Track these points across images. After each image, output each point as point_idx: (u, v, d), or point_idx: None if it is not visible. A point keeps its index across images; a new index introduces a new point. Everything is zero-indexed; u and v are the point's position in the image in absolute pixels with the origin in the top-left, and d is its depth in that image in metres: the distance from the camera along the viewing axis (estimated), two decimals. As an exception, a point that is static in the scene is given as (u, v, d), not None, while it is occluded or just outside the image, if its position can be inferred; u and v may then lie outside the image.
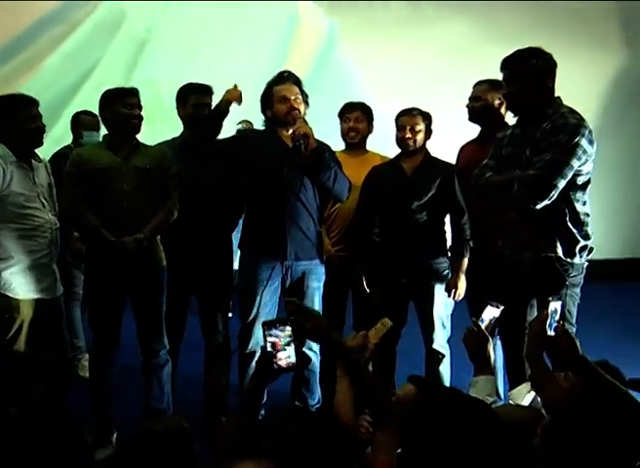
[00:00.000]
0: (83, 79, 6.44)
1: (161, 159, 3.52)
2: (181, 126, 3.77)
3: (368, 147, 4.00)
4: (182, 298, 3.71)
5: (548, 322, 2.31)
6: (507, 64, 3.14)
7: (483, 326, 2.51)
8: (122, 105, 3.39)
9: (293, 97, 3.44)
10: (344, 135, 3.93)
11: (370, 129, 3.95)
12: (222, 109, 3.58)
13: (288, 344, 2.09)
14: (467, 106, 3.74)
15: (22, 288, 3.24)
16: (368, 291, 3.79)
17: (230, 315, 4.08)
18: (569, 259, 3.11)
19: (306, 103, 3.52)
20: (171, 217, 3.49)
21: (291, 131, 3.41)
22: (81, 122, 4.50)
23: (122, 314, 3.53)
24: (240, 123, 5.11)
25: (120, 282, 3.43)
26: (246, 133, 3.90)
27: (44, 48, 6.42)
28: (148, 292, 3.51)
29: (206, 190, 3.57)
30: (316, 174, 3.41)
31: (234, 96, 3.59)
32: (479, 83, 3.74)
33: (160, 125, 3.79)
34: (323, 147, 3.47)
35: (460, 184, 3.61)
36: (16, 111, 3.21)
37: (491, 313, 2.55)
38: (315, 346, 3.59)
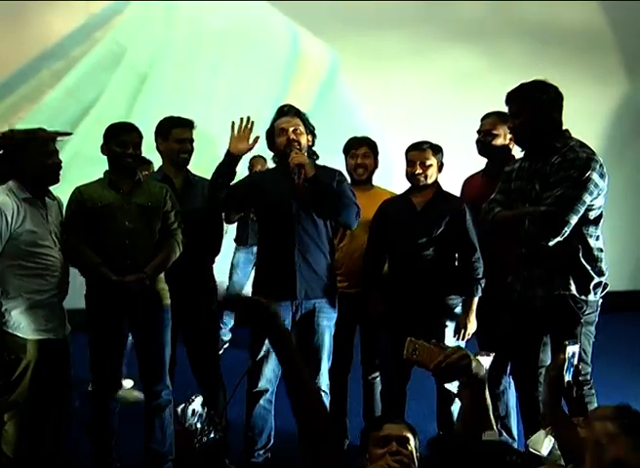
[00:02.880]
0: (83, 113, 6.42)
1: (163, 196, 3.48)
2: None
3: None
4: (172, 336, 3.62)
5: (565, 367, 2.26)
6: (513, 97, 3.11)
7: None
8: (116, 143, 3.37)
9: (291, 129, 3.40)
10: (352, 171, 3.88)
11: (376, 164, 3.91)
12: (229, 165, 3.42)
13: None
14: (477, 140, 3.68)
15: (30, 327, 3.19)
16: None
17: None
18: (583, 297, 3.06)
19: (312, 134, 3.49)
20: (174, 255, 3.44)
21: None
22: None
23: (123, 354, 3.49)
24: (254, 158, 5.08)
25: (122, 321, 3.39)
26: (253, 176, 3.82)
27: (45, 82, 6.40)
28: (150, 331, 3.45)
29: (188, 225, 3.52)
30: (317, 203, 3.34)
31: (241, 149, 3.41)
32: (488, 116, 3.70)
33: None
34: (324, 175, 3.42)
35: (473, 219, 3.55)
36: (32, 147, 3.17)
37: (484, 362, 2.46)
38: (325, 386, 3.50)
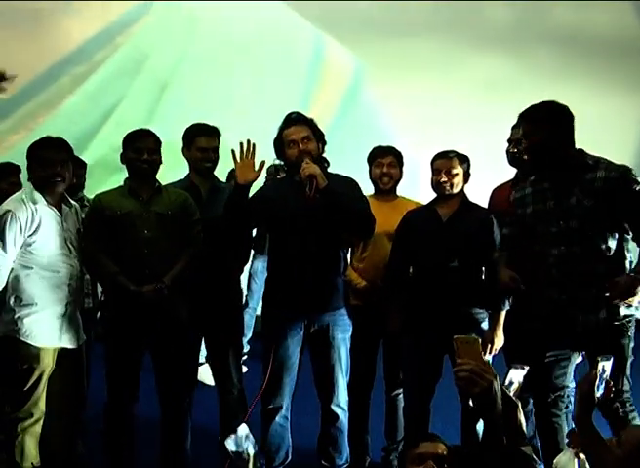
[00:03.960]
0: (104, 119, 6.47)
1: (183, 204, 3.48)
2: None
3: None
4: (192, 349, 3.65)
5: (597, 382, 2.25)
6: (528, 118, 3.16)
7: (511, 391, 2.36)
8: (131, 150, 3.39)
9: (301, 139, 3.36)
10: (377, 180, 3.85)
11: (401, 174, 3.89)
12: (240, 196, 3.36)
13: None
14: (508, 150, 3.63)
15: (44, 336, 3.18)
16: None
17: (245, 370, 3.96)
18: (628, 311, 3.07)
19: (321, 141, 3.46)
20: (194, 265, 3.43)
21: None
22: None
23: (140, 366, 3.45)
24: (272, 165, 5.04)
25: (140, 331, 3.37)
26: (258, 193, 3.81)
27: (65, 87, 6.47)
28: (169, 350, 3.44)
29: (213, 234, 3.51)
30: (330, 214, 3.31)
31: (248, 178, 3.32)
32: (519, 124, 3.62)
33: (184, 167, 3.75)
34: (337, 183, 3.38)
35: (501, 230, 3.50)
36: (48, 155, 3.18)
37: (516, 376, 2.42)
38: (343, 402, 3.46)
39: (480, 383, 1.90)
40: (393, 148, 3.90)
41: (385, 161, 3.82)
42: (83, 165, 4.40)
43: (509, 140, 3.67)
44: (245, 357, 5.39)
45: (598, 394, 2.27)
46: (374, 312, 3.70)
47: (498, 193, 3.84)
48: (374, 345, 3.82)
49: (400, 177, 3.88)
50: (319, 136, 3.44)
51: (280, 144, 3.44)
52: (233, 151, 3.32)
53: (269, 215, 3.44)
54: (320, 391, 3.47)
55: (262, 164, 3.32)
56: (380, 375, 3.87)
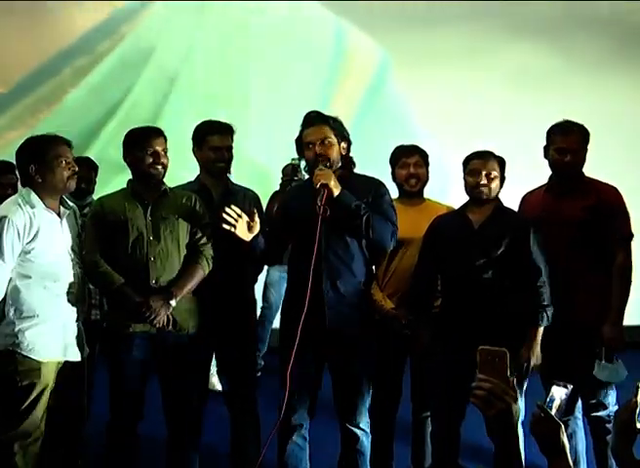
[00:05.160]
0: (108, 115, 6.49)
1: (191, 207, 3.49)
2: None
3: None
4: (203, 365, 3.66)
5: (638, 411, 2.23)
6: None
7: (553, 410, 2.36)
8: (141, 150, 3.38)
9: (318, 142, 3.37)
10: (403, 182, 3.85)
11: (428, 175, 3.88)
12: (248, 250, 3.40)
13: None
14: (551, 158, 3.61)
15: (47, 349, 3.20)
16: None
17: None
18: None
19: (345, 140, 3.45)
20: (203, 273, 3.44)
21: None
22: None
23: (146, 382, 3.47)
24: (289, 165, 5.06)
25: (145, 350, 3.39)
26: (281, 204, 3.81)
27: (66, 81, 6.48)
28: (177, 366, 3.45)
29: (224, 241, 3.49)
30: (342, 224, 3.32)
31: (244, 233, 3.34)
32: (567, 130, 3.60)
33: (194, 166, 3.77)
34: (360, 188, 3.39)
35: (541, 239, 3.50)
36: (47, 153, 3.21)
37: (558, 393, 2.41)
38: (364, 424, 3.44)
39: (497, 405, 1.86)
40: (418, 147, 3.90)
41: (411, 161, 3.82)
42: (94, 167, 4.43)
43: (554, 148, 3.63)
44: (259, 373, 5.40)
45: (639, 424, 2.23)
46: (402, 326, 3.70)
47: (529, 200, 3.83)
48: (400, 363, 3.82)
49: (427, 179, 3.87)
50: (342, 136, 3.44)
51: (299, 146, 3.46)
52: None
53: (288, 221, 3.46)
54: (338, 408, 3.46)
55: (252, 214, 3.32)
56: (407, 396, 3.86)
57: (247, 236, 3.32)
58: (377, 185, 3.47)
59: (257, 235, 3.34)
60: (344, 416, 3.45)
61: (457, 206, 3.72)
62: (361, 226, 3.29)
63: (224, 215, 3.24)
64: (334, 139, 3.39)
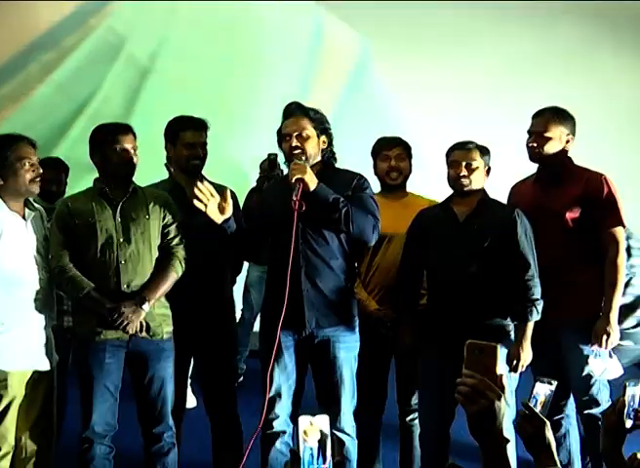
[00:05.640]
0: (77, 112, 6.47)
1: (163, 207, 3.47)
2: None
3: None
4: (180, 370, 3.63)
5: (626, 411, 2.25)
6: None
7: (537, 407, 2.36)
8: (109, 148, 3.36)
9: (295, 134, 3.36)
10: (383, 175, 3.85)
11: (410, 168, 3.89)
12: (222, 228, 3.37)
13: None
14: (529, 145, 3.60)
15: (15, 359, 3.18)
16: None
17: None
18: None
19: (326, 134, 3.45)
20: (176, 275, 3.43)
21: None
22: None
23: (118, 390, 3.43)
24: (266, 160, 5.01)
25: (117, 358, 3.36)
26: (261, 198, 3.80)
27: (33, 77, 6.44)
28: (147, 364, 3.41)
29: (201, 241, 3.49)
30: (320, 220, 3.30)
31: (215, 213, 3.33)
32: (541, 113, 3.62)
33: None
34: (338, 181, 3.38)
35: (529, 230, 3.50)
36: (10, 155, 3.19)
37: (542, 390, 2.42)
38: (350, 428, 3.43)
39: (480, 402, 1.82)
40: (400, 139, 3.90)
41: (393, 153, 3.82)
42: (64, 168, 4.39)
43: (529, 131, 3.63)
44: (241, 378, 5.39)
45: (628, 425, 2.25)
46: (385, 322, 3.70)
47: (518, 190, 3.82)
48: (385, 363, 3.82)
49: (410, 172, 3.88)
50: (323, 129, 3.43)
51: (279, 137, 3.45)
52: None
53: (266, 218, 3.44)
54: (322, 413, 3.43)
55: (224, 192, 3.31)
56: (393, 398, 3.85)
57: (218, 217, 3.30)
58: (357, 178, 3.45)
59: (228, 219, 3.32)
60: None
61: (441, 199, 3.70)
62: (340, 220, 3.27)
63: (196, 192, 3.22)
64: (312, 132, 3.38)
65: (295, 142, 3.34)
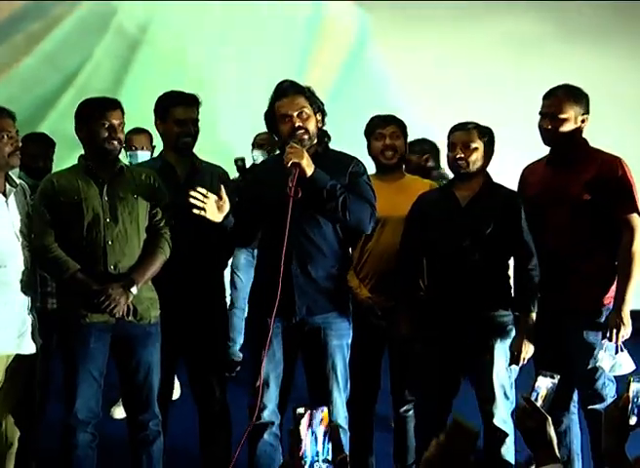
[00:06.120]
0: (65, 85, 6.44)
1: (151, 186, 3.46)
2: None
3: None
4: (167, 356, 3.60)
5: (630, 407, 2.24)
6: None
7: (539, 401, 2.37)
8: (96, 124, 3.33)
9: (296, 114, 3.33)
10: (378, 155, 3.83)
11: (406, 148, 3.88)
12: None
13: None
14: (541, 126, 3.56)
15: None
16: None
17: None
18: None
19: (321, 112, 3.42)
20: (164, 258, 3.41)
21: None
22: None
23: (103, 375, 3.42)
24: (238, 160, 4.96)
25: (103, 342, 3.35)
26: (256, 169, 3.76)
27: (18, 48, 6.42)
28: (133, 349, 3.40)
29: (191, 223, 3.44)
30: (316, 206, 3.29)
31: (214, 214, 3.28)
32: (554, 93, 3.56)
33: (158, 140, 3.72)
34: (334, 167, 3.35)
35: (528, 218, 3.47)
36: None
37: (544, 384, 2.42)
38: (342, 420, 3.42)
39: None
40: (395, 117, 3.89)
41: (387, 132, 3.81)
42: (51, 143, 4.35)
43: (542, 113, 3.58)
44: (239, 368, 5.36)
45: (632, 422, 2.24)
46: (378, 311, 3.70)
47: (529, 172, 3.78)
48: (377, 352, 3.82)
49: (405, 151, 3.87)
50: (317, 107, 3.40)
51: (272, 118, 3.41)
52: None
53: (259, 200, 3.42)
54: (312, 404, 3.42)
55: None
56: (386, 388, 3.85)
57: (217, 217, 3.27)
58: (353, 163, 3.43)
59: (227, 214, 3.30)
60: None
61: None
62: (337, 208, 3.26)
63: (192, 200, 3.20)
64: (310, 111, 3.36)
65: (298, 122, 3.31)
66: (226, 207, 3.29)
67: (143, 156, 4.29)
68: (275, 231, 3.28)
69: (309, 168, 3.22)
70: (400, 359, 3.79)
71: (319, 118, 3.42)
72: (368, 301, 3.72)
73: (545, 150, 3.67)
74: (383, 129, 3.82)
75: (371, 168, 3.77)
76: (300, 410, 1.98)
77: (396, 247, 3.65)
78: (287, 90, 3.38)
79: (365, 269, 3.78)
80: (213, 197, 3.25)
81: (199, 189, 3.23)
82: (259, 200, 3.43)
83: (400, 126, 3.85)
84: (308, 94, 3.39)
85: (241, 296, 5.52)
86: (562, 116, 3.50)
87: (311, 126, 3.35)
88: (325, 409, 2.00)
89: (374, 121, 3.88)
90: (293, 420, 1.99)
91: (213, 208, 3.25)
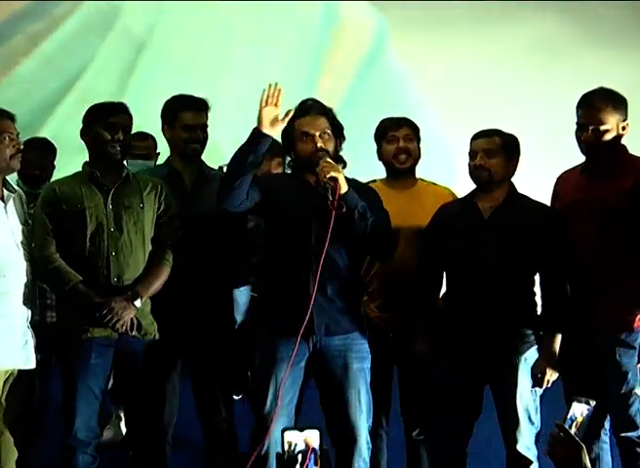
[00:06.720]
0: (66, 88, 6.45)
1: (158, 195, 3.47)
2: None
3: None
4: (170, 371, 3.63)
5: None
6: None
7: (572, 429, 2.36)
8: (102, 126, 3.36)
9: (318, 134, 3.35)
10: (391, 158, 3.80)
11: (419, 152, 3.86)
12: (258, 145, 3.26)
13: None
14: (580, 137, 3.50)
15: None
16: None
17: (237, 397, 3.99)
18: None
19: (340, 136, 3.45)
20: (169, 270, 3.42)
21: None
22: None
23: (103, 393, 3.43)
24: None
25: (105, 358, 3.35)
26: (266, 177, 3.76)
27: (19, 49, 6.45)
28: (138, 367, 3.41)
29: (200, 233, 3.49)
30: (348, 226, 3.28)
31: (274, 124, 3.26)
32: (590, 100, 3.48)
33: (164, 145, 3.72)
34: (358, 192, 3.35)
35: (557, 230, 3.47)
36: None
37: (579, 410, 2.41)
38: (366, 452, 3.38)
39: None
40: (407, 119, 3.87)
41: (400, 134, 3.78)
42: (51, 150, 4.35)
43: (582, 124, 3.51)
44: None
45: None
46: (387, 335, 3.69)
47: (564, 181, 3.71)
48: (387, 374, 3.78)
49: (419, 156, 3.84)
50: (338, 131, 3.43)
51: (289, 136, 3.41)
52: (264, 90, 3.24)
53: (272, 212, 3.40)
54: (334, 440, 3.37)
55: (288, 113, 3.27)
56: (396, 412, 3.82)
57: (268, 124, 3.23)
58: (372, 192, 3.48)
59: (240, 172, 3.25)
60: (342, 447, 3.36)
61: (465, 192, 3.68)
62: (366, 229, 3.29)
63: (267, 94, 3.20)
64: (331, 133, 3.39)
65: (320, 142, 3.33)
66: (278, 128, 3.26)
67: (146, 165, 4.28)
68: (293, 250, 3.31)
69: (344, 184, 3.24)
70: (411, 379, 3.76)
71: (338, 143, 3.44)
72: (377, 321, 3.69)
73: (576, 157, 3.63)
74: (396, 131, 3.80)
75: (381, 172, 3.82)
76: (290, 434, 1.98)
77: (407, 259, 3.62)
78: (310, 108, 3.41)
79: (373, 284, 3.74)
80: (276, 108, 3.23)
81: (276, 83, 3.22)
82: (268, 211, 3.42)
83: (413, 128, 3.83)
84: (331, 115, 3.42)
85: (241, 311, 5.50)
86: (603, 128, 3.41)
87: (331, 148, 3.37)
88: (316, 432, 1.99)
89: (385, 123, 3.87)
90: (281, 444, 2.00)
91: (273, 113, 3.23)
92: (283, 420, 3.33)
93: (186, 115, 3.62)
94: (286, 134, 3.42)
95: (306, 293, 3.28)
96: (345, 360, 3.36)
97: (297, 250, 3.30)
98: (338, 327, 3.36)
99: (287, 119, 3.27)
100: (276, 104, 3.23)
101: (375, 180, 3.85)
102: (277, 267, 3.45)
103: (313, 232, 3.31)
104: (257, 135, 3.25)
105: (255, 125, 3.25)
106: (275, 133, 3.26)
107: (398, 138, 3.79)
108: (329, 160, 3.27)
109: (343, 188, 3.23)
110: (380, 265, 3.70)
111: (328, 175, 3.21)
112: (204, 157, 3.74)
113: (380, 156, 3.85)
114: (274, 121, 3.25)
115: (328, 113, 3.42)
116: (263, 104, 3.24)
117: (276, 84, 3.26)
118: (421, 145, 3.84)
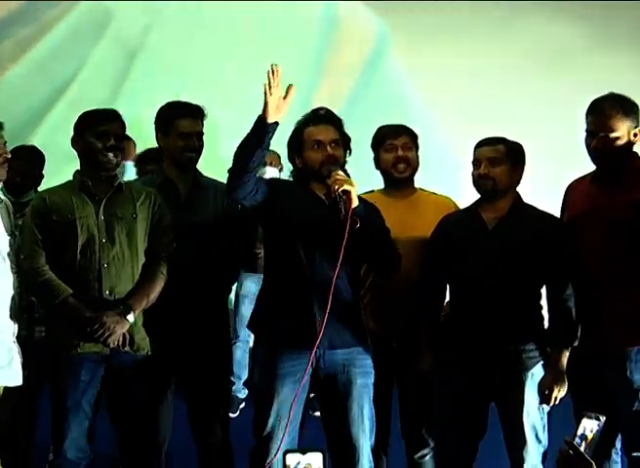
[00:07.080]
0: (56, 96, 6.46)
1: (151, 206, 3.47)
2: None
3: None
4: (164, 388, 3.63)
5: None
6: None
7: (582, 446, 2.36)
8: (92, 134, 3.37)
9: (329, 142, 3.36)
10: (389, 168, 3.81)
11: (418, 161, 3.86)
12: (264, 134, 3.19)
13: None
14: (590, 145, 3.48)
15: None
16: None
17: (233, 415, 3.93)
18: None
19: (348, 148, 3.47)
20: (163, 283, 3.42)
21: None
22: None
23: (96, 412, 3.43)
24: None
25: (96, 374, 3.34)
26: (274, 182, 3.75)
27: (6, 55, 6.46)
28: (124, 390, 3.40)
29: (195, 243, 3.50)
30: (359, 240, 3.28)
31: (279, 112, 3.18)
32: (600, 107, 3.46)
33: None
34: (367, 208, 3.39)
35: (565, 242, 3.46)
36: None
37: (589, 426, 2.40)
38: None
39: None
40: (406, 127, 3.88)
41: (399, 143, 3.79)
42: (38, 157, 4.35)
43: (591, 131, 3.51)
44: (242, 404, 5.33)
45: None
46: (385, 352, 3.65)
47: (573, 190, 3.70)
48: (387, 391, 3.77)
49: (417, 164, 3.85)
50: (346, 143, 3.46)
51: (297, 144, 3.43)
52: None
53: (276, 218, 3.40)
54: (335, 460, 3.37)
55: (289, 90, 3.20)
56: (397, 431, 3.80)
57: (273, 112, 3.16)
58: (373, 208, 3.48)
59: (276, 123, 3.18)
60: (345, 463, 3.36)
61: (468, 202, 3.69)
62: (375, 245, 3.32)
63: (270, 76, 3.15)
64: (341, 144, 3.42)
65: (332, 151, 3.35)
66: (284, 110, 3.18)
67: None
68: (296, 261, 3.32)
69: (357, 199, 3.25)
70: (411, 397, 3.75)
71: (345, 154, 3.46)
72: (379, 334, 3.64)
73: (585, 165, 3.61)
74: (395, 140, 3.80)
75: (379, 182, 3.82)
76: (292, 457, 1.98)
77: (406, 270, 3.56)
78: (322, 117, 3.44)
79: (368, 295, 3.73)
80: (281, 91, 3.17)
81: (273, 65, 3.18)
82: (272, 215, 3.42)
83: (412, 136, 3.84)
84: (342, 126, 3.45)
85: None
86: (613, 135, 3.40)
87: (340, 159, 3.40)
88: (319, 455, 1.99)
89: (383, 131, 3.88)
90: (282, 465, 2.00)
91: (276, 100, 3.17)
92: (286, 440, 3.32)
93: (182, 123, 3.63)
94: (293, 142, 3.44)
95: (309, 308, 3.29)
96: (349, 375, 3.36)
97: (301, 259, 3.31)
98: (340, 340, 3.36)
99: (289, 97, 3.19)
100: (278, 85, 3.18)
101: (372, 191, 3.86)
102: (281, 274, 3.44)
103: (318, 244, 3.32)
104: (264, 124, 3.17)
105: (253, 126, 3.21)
106: (280, 117, 3.19)
107: (397, 147, 3.79)
108: (341, 173, 3.29)
109: (355, 203, 3.24)
110: (372, 280, 3.72)
111: (341, 189, 3.21)
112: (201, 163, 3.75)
113: (378, 165, 3.86)
114: (279, 105, 3.19)
115: (338, 124, 3.44)
116: (269, 94, 3.17)
117: (275, 65, 3.22)
118: (422, 152, 3.84)
